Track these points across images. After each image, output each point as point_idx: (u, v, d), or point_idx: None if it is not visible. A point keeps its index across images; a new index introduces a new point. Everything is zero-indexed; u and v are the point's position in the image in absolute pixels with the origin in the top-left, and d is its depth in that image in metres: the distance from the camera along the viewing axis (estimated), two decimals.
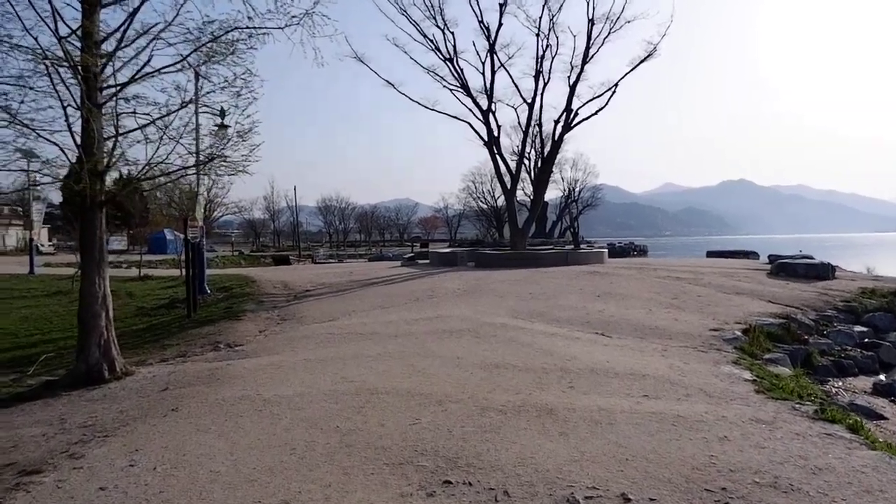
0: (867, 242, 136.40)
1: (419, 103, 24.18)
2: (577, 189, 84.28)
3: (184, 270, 16.94)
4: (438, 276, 17.61)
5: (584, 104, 22.94)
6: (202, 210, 15.99)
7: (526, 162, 33.16)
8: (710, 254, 28.02)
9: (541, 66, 23.25)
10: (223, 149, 8.67)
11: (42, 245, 59.23)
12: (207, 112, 14.44)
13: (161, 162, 7.76)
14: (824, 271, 15.67)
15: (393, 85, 23.96)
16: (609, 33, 21.99)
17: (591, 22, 22.19)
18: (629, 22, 21.78)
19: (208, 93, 8.37)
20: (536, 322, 10.47)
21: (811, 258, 20.09)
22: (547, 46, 23.43)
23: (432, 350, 8.13)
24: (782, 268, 16.24)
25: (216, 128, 16.55)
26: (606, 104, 22.76)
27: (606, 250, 22.34)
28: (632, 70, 22.35)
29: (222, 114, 16.99)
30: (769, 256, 22.01)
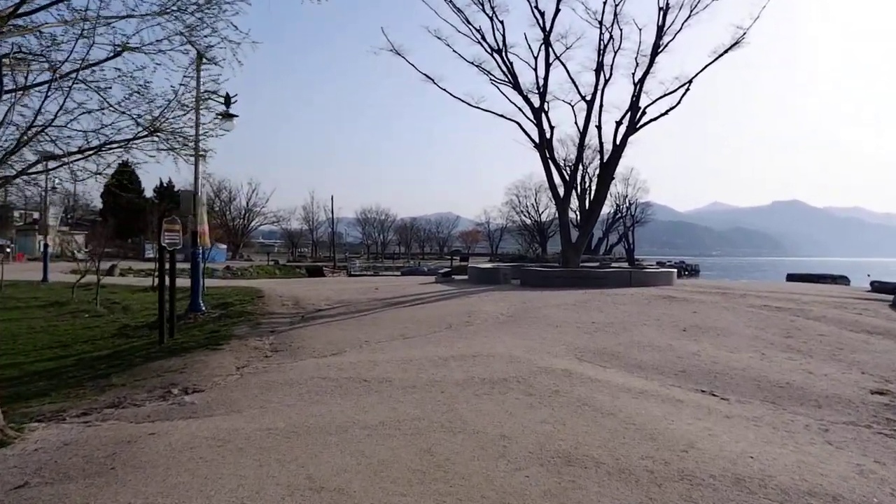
0: None
1: (462, 100, 21.58)
2: (626, 205, 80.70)
3: (189, 280, 14.56)
4: (478, 297, 14.81)
5: (653, 102, 19.80)
6: (203, 212, 13.55)
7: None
8: (791, 277, 24.46)
9: (602, 58, 20.34)
10: (169, 118, 6.09)
11: (77, 252, 58.64)
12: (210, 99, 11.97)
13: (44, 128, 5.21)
14: None
15: (433, 79, 21.42)
16: (690, 15, 18.90)
17: (665, 8, 19.16)
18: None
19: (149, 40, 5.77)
20: (611, 368, 7.57)
21: None
22: (609, 39, 20.54)
23: (463, 418, 5.35)
24: None
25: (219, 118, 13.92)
26: (679, 102, 19.60)
27: (675, 271, 19.18)
28: (715, 60, 19.11)
29: (227, 101, 14.55)
30: (872, 283, 18.53)
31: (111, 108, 5.57)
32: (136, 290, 21.74)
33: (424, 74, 21.27)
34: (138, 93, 5.78)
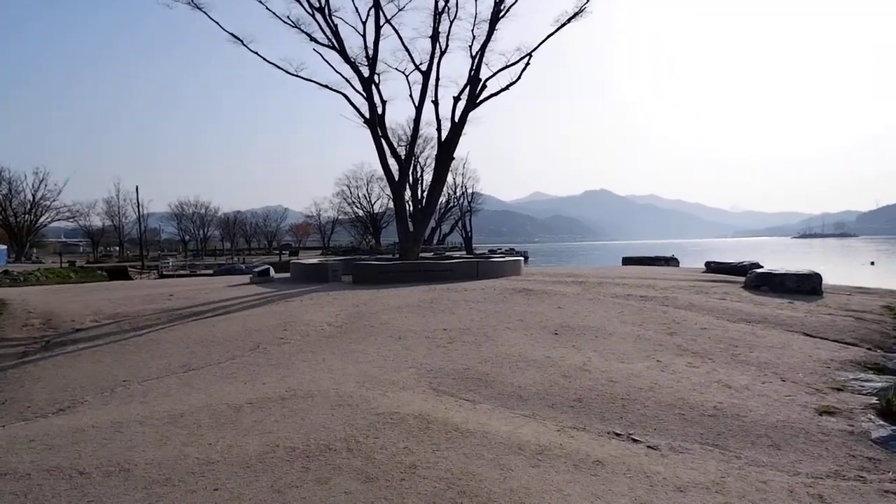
0: (725, 247, 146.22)
1: (278, 66, 18.40)
2: (458, 194, 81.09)
3: None
4: (300, 301, 12.01)
5: (494, 74, 18.24)
6: None
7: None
8: (627, 260, 24.46)
9: (438, 25, 18.25)
10: None
11: None
12: None
13: None
14: (818, 284, 11.92)
15: (241, 40, 17.98)
16: None
17: None
18: None
19: None
20: (483, 404, 5.33)
21: (757, 265, 16.74)
22: (445, 6, 18.52)
23: None
24: (764, 280, 12.34)
25: None
26: (520, 77, 18.13)
27: (522, 259, 17.77)
28: (557, 30, 17.81)
29: None
30: (706, 263, 18.53)
31: None
32: None
33: (231, 34, 17.79)
34: None
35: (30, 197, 76.70)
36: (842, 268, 44.21)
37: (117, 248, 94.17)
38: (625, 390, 5.59)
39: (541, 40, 17.84)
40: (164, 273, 47.47)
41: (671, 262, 23.09)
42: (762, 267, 15.21)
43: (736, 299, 11.03)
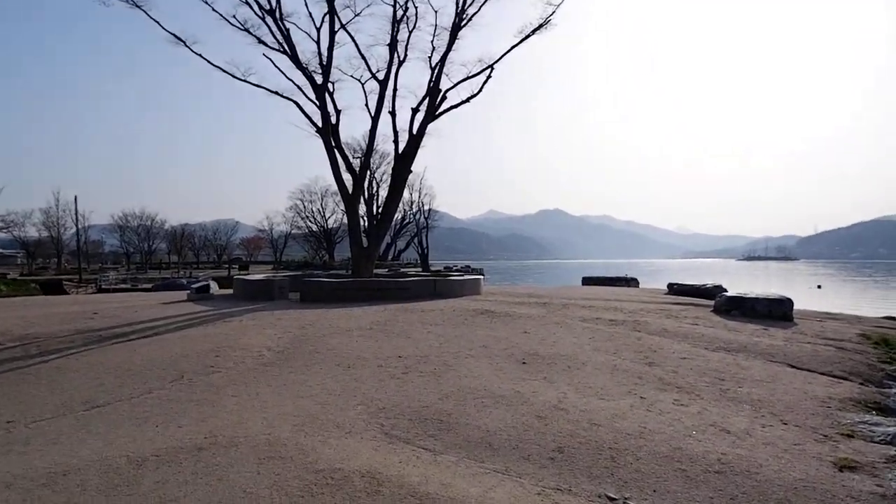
0: (678, 267, 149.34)
1: (224, 70, 17.29)
2: (415, 210, 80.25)
3: None
4: (239, 321, 10.88)
5: (454, 85, 17.49)
6: None
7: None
8: (587, 280, 23.97)
9: (396, 34, 17.44)
10: None
11: None
12: None
13: None
14: (790, 309, 11.46)
15: (183, 41, 16.80)
16: None
17: None
18: None
19: None
20: (445, 454, 4.42)
21: (721, 288, 16.40)
22: (404, 15, 17.74)
23: None
24: (735, 304, 11.80)
25: None
26: (481, 90, 17.45)
27: (482, 278, 16.96)
28: (521, 42, 17.19)
29: None
30: (669, 285, 18.08)
31: None
32: None
33: (172, 34, 16.62)
34: None
35: None
36: (792, 291, 45.00)
37: (55, 260, 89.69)
38: (611, 437, 4.77)
39: (503, 52, 17.27)
40: (103, 287, 45.07)
41: (631, 282, 22.69)
42: (727, 290, 14.79)
43: (709, 324, 10.43)
